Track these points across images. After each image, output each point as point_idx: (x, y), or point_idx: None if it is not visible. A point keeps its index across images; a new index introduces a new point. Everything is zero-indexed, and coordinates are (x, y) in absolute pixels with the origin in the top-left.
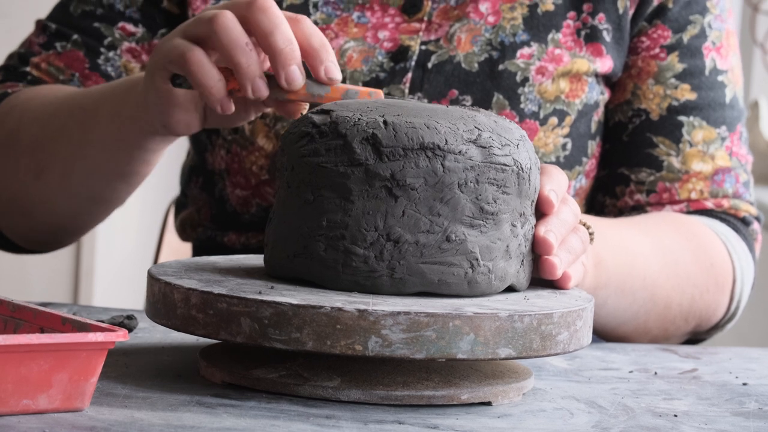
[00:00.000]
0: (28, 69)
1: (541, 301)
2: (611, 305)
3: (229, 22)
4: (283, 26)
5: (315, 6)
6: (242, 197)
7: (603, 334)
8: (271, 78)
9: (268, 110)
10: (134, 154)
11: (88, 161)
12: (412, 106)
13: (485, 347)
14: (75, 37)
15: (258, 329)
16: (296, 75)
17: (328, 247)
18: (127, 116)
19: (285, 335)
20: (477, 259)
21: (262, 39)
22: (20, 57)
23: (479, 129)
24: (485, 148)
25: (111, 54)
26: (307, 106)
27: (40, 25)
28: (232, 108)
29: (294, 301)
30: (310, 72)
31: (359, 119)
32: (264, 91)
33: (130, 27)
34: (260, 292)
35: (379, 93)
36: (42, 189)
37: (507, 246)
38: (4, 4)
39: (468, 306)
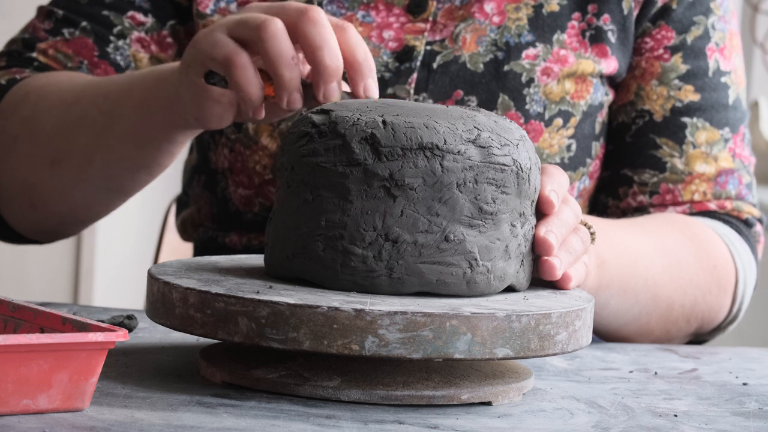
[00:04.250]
0: (33, 55)
1: (540, 301)
2: (614, 306)
3: (279, 33)
4: (332, 42)
5: (320, 4)
6: (245, 196)
7: (605, 335)
8: (307, 87)
9: None
10: (161, 146)
11: (110, 151)
12: (412, 106)
13: (482, 347)
14: (84, 24)
15: (255, 329)
16: (334, 92)
17: (327, 246)
18: (158, 108)
19: (282, 335)
20: (476, 259)
21: (309, 52)
22: (24, 42)
23: (478, 129)
24: (484, 148)
25: (120, 43)
26: None
27: (45, 11)
28: (263, 115)
29: (291, 301)
30: (348, 84)
31: (358, 119)
32: (298, 104)
33: (140, 16)
34: (258, 292)
35: None
36: (58, 178)
37: (506, 246)
38: (4, 4)
39: (466, 306)
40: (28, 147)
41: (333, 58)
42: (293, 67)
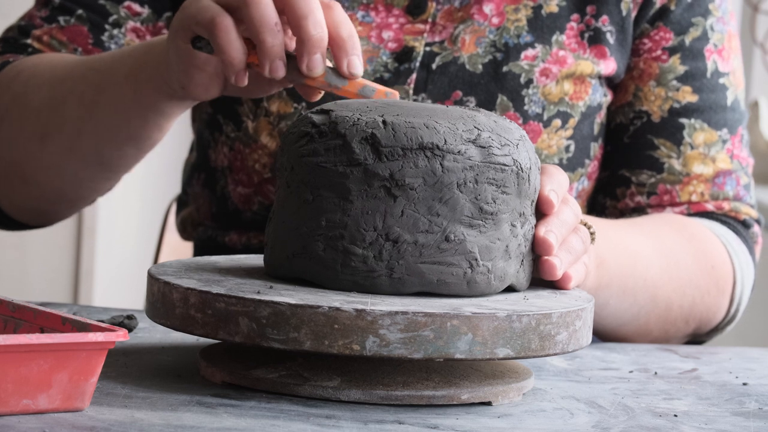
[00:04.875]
0: (29, 41)
1: (541, 301)
2: (612, 306)
3: None
4: (317, 12)
5: None
6: (244, 195)
7: (604, 335)
8: (291, 59)
9: (272, 105)
10: (148, 116)
11: (99, 123)
12: (412, 106)
13: (483, 347)
14: (79, 12)
15: (256, 329)
16: (318, 63)
17: (327, 247)
18: (146, 76)
19: (283, 335)
20: (476, 259)
21: (293, 21)
22: (20, 29)
23: (478, 129)
24: (484, 148)
25: (115, 31)
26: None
27: (42, 0)
28: (246, 82)
29: (292, 301)
30: (333, 60)
31: (358, 119)
32: (281, 73)
33: (136, 7)
34: (259, 292)
35: (395, 94)
36: (48, 153)
37: (506, 246)
38: (4, 4)
39: (466, 306)
40: (18, 122)
41: (317, 28)
42: (276, 33)
